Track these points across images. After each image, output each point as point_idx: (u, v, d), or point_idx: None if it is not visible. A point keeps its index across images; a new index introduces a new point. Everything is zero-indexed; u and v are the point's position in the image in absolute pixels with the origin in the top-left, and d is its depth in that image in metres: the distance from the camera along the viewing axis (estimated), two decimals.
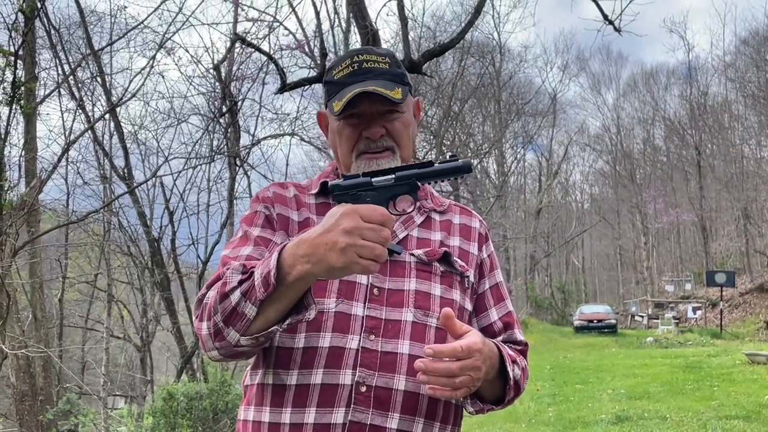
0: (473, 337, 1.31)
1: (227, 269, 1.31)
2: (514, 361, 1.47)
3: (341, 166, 1.57)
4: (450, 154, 1.38)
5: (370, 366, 1.37)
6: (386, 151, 1.50)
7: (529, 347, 1.61)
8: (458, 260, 1.53)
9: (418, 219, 1.57)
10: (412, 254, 1.50)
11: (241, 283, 1.27)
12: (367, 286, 1.43)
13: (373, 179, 1.32)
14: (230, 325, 1.28)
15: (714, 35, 75.87)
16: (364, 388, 1.36)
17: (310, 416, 1.35)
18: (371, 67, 1.52)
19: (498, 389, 1.46)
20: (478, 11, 10.17)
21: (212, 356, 1.36)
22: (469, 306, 1.54)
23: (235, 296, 1.26)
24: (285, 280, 1.23)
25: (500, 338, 1.55)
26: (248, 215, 1.54)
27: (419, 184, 1.33)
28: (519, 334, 1.59)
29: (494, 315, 1.58)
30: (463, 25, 11.08)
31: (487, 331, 1.55)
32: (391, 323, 1.41)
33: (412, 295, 1.45)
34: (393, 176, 1.31)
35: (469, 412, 1.48)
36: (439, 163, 1.31)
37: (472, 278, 1.55)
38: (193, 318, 1.40)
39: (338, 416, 1.34)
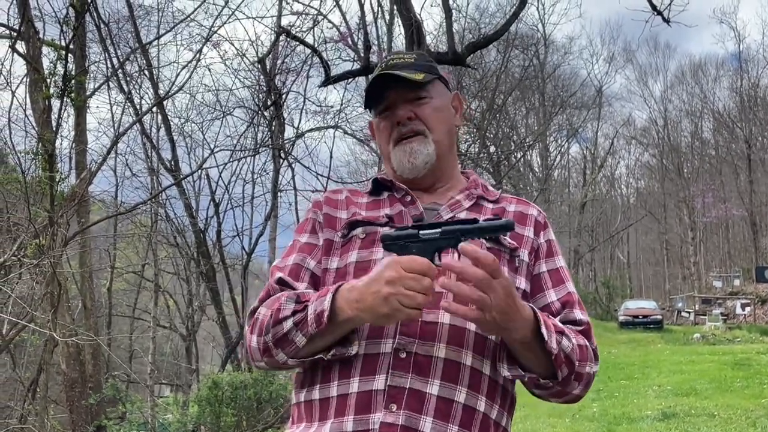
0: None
1: (282, 295, 1.44)
2: (561, 333, 1.41)
3: (384, 160, 1.64)
4: (494, 215, 1.54)
5: (410, 334, 1.39)
6: (417, 135, 1.59)
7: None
8: (507, 238, 1.52)
9: (466, 203, 1.60)
10: None
11: (294, 313, 1.39)
12: None
13: (420, 231, 1.37)
14: (280, 348, 1.42)
15: (766, 25, 73.94)
16: (403, 354, 1.38)
17: (354, 386, 1.38)
18: (396, 63, 1.63)
19: (542, 360, 1.40)
20: (523, 2, 10.03)
21: (258, 366, 1.50)
22: (522, 285, 1.51)
23: (288, 324, 1.39)
24: (335, 319, 1.35)
25: (557, 318, 1.50)
26: (301, 223, 1.66)
27: (463, 238, 1.37)
28: (579, 314, 1.52)
29: (552, 296, 1.54)
30: (507, 16, 10.99)
31: (544, 312, 1.49)
32: (432, 294, 1.39)
33: None
34: (439, 230, 1.36)
35: (505, 376, 1.43)
36: (483, 221, 1.37)
37: (524, 258, 1.54)
38: (246, 328, 1.51)
39: (379, 383, 1.37)
